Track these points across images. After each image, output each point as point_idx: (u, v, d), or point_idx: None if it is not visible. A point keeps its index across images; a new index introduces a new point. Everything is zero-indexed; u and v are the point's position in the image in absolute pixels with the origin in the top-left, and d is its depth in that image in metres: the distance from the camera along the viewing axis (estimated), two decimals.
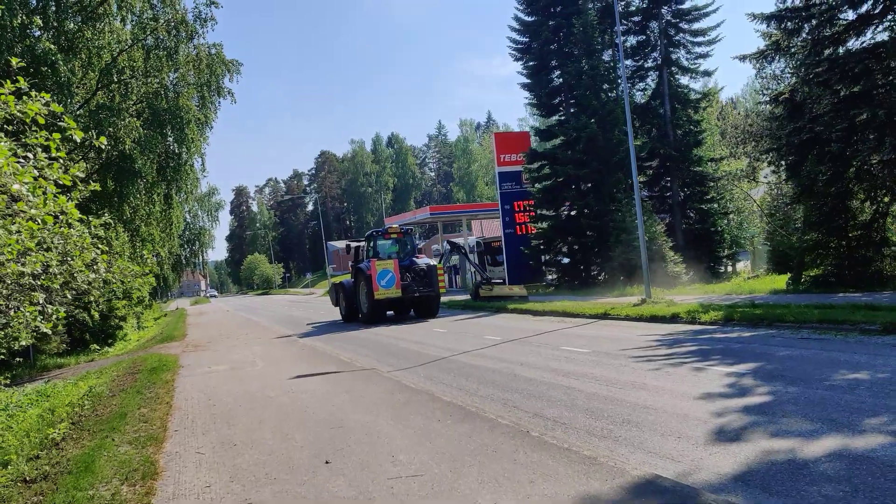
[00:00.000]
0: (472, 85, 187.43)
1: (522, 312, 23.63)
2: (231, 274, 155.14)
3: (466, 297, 32.99)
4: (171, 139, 23.28)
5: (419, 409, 8.85)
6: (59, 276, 7.59)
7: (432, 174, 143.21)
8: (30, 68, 19.10)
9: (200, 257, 65.65)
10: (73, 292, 7.96)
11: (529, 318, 22.05)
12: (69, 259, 7.84)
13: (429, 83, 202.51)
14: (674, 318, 16.57)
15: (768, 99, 23.37)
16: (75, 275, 7.79)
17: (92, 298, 8.24)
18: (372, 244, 26.14)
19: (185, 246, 59.65)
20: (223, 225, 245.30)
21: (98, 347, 28.43)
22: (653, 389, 8.89)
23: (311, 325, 28.70)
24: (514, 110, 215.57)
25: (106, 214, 8.53)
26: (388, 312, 26.02)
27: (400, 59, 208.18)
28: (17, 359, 22.87)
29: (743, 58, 21.91)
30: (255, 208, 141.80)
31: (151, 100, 22.73)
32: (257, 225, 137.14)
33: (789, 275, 23.70)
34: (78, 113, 21.92)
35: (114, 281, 8.29)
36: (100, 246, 7.94)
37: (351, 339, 20.31)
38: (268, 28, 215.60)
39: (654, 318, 17.18)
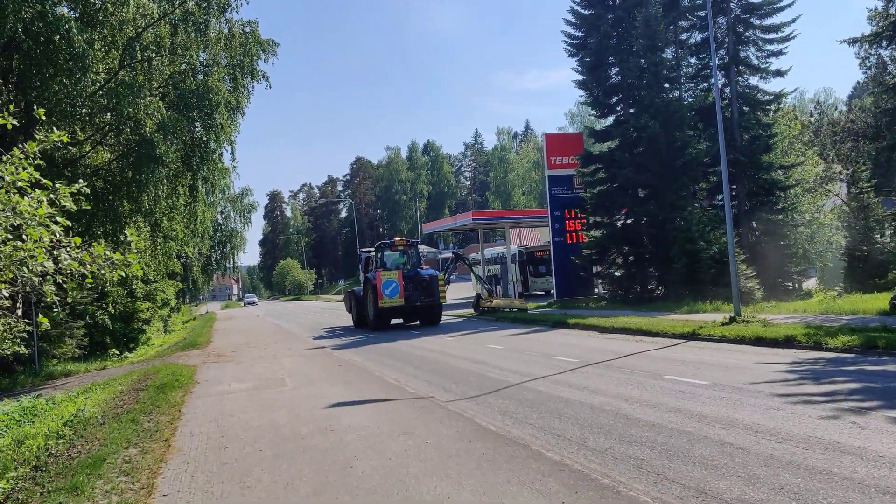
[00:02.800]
0: (508, 98, 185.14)
1: (585, 328, 20.79)
2: (263, 279, 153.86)
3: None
4: (197, 124, 20.77)
5: (519, 474, 6.08)
6: None
7: (468, 183, 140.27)
8: (40, 37, 16.89)
9: (232, 260, 63.47)
10: (11, 288, 5.39)
11: (596, 335, 19.22)
12: (16, 241, 5.31)
13: (466, 95, 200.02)
14: (788, 342, 13.63)
15: (877, 90, 20.38)
16: (25, 262, 5.23)
17: (48, 299, 5.63)
18: (380, 255, 27.29)
19: (216, 247, 57.66)
20: (256, 229, 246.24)
21: (118, 353, 26.31)
22: (861, 455, 6.05)
23: (325, 329, 29.68)
24: (553, 121, 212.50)
25: (81, 181, 5.93)
26: (395, 321, 27.16)
27: (438, 71, 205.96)
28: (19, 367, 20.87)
29: (853, 41, 19.05)
30: (288, 213, 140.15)
31: (178, 80, 20.36)
32: (290, 230, 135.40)
33: (892, 294, 20.64)
34: (99, 95, 19.70)
35: (86, 274, 5.68)
36: (59, 219, 5.36)
37: (391, 352, 17.71)
38: (309, 34, 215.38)
39: (760, 342, 14.24)
